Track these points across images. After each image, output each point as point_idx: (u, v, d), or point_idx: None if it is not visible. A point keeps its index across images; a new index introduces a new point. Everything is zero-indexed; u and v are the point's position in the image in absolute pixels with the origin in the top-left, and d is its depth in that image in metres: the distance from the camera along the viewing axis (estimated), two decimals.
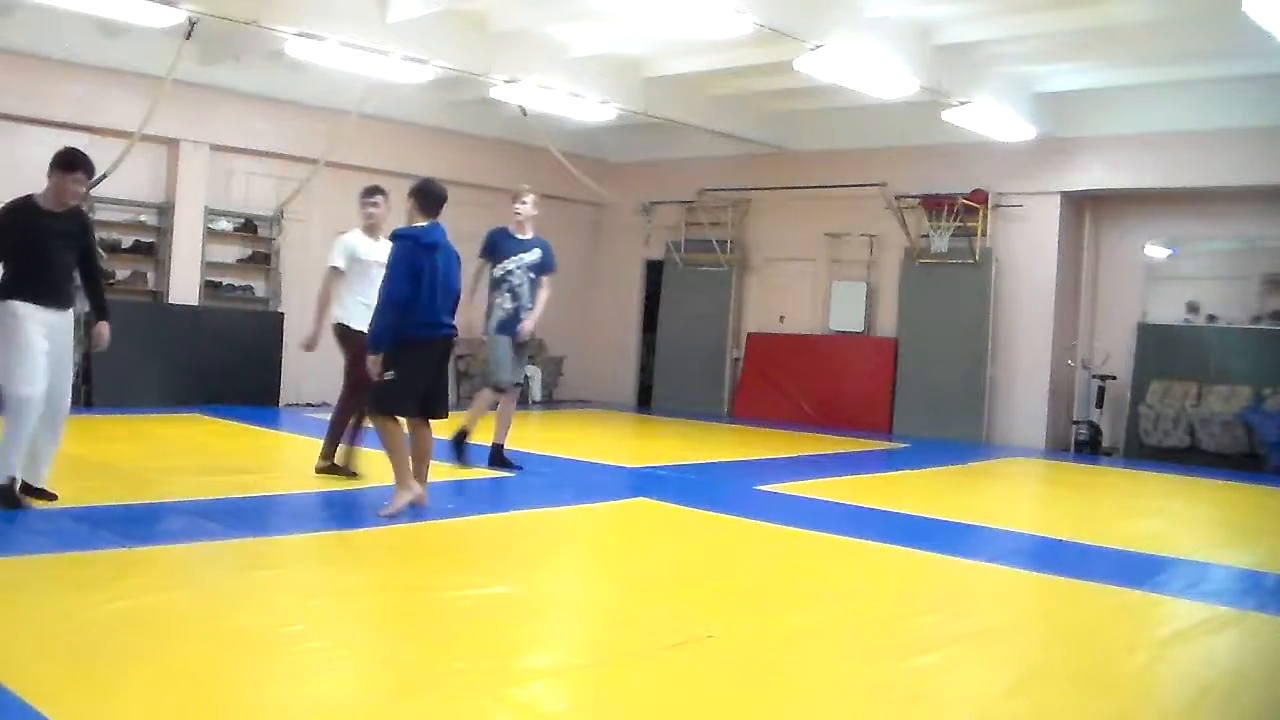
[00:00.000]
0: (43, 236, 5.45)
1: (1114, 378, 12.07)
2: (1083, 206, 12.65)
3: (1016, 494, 9.47)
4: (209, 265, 11.85)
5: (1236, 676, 4.02)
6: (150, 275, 11.47)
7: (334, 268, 7.02)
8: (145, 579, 4.38)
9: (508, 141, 13.65)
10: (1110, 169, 11.79)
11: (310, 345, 7.15)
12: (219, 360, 11.20)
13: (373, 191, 7.16)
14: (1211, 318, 11.86)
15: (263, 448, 9.15)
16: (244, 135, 11.89)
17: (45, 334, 5.42)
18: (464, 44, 10.25)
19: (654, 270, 15.34)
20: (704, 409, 14.10)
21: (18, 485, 5.41)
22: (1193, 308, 11.92)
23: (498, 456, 7.82)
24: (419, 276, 5.83)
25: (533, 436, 8.31)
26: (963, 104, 10.47)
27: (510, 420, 7.89)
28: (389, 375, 5.86)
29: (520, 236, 7.72)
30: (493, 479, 7.47)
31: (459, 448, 7.66)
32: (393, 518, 5.84)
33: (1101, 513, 8.22)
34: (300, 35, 9.13)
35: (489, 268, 7.71)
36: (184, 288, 11.49)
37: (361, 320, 6.58)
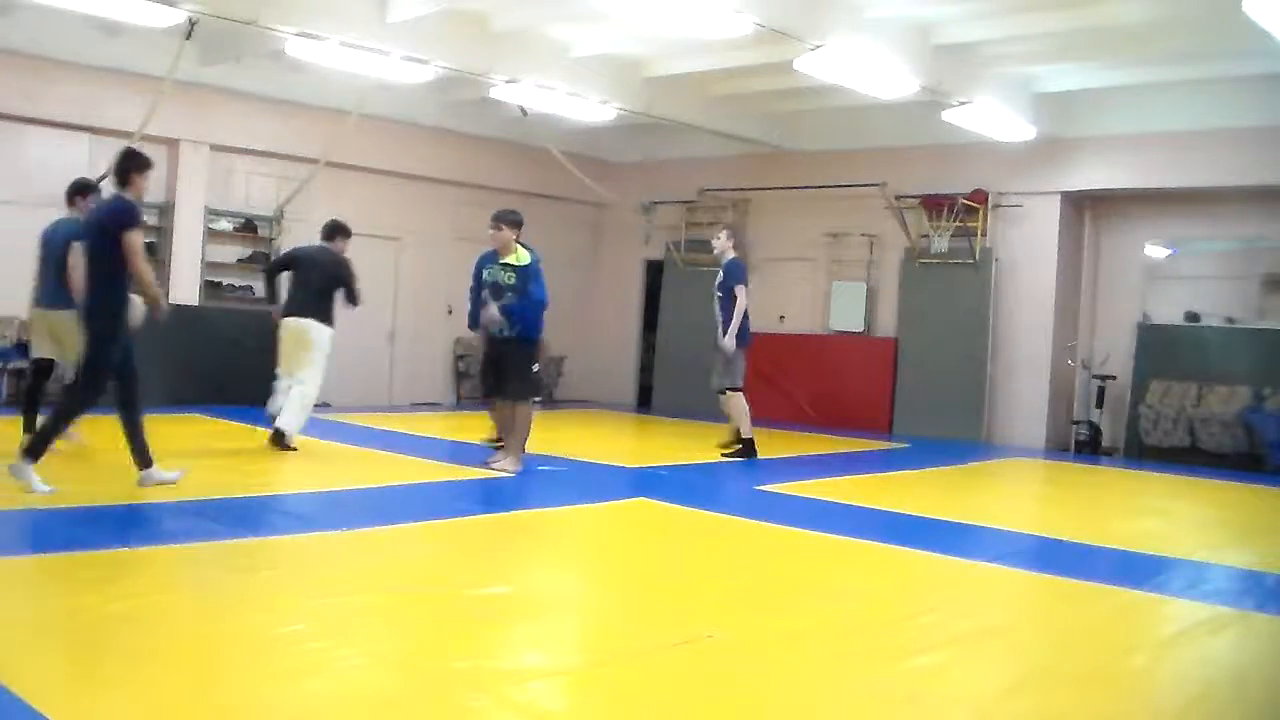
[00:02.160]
0: None
1: (1114, 378, 12.07)
2: (1083, 206, 12.64)
3: (1016, 494, 9.47)
4: (209, 265, 11.85)
5: (1236, 676, 4.02)
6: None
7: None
8: (145, 579, 4.38)
9: (508, 141, 13.63)
10: (1110, 169, 11.78)
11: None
12: (219, 360, 11.18)
13: None
14: (1192, 316, 11.82)
15: (263, 448, 9.14)
16: (244, 135, 11.89)
17: None
18: (464, 44, 10.24)
19: (654, 270, 15.32)
20: (704, 409, 14.05)
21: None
22: (1192, 317, 11.82)
23: (749, 447, 9.27)
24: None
25: (533, 436, 8.30)
26: (963, 104, 10.47)
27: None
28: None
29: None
30: (492, 479, 7.48)
31: (747, 450, 9.23)
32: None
33: (1101, 513, 8.21)
34: (300, 35, 9.13)
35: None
36: (184, 287, 11.47)
37: None
